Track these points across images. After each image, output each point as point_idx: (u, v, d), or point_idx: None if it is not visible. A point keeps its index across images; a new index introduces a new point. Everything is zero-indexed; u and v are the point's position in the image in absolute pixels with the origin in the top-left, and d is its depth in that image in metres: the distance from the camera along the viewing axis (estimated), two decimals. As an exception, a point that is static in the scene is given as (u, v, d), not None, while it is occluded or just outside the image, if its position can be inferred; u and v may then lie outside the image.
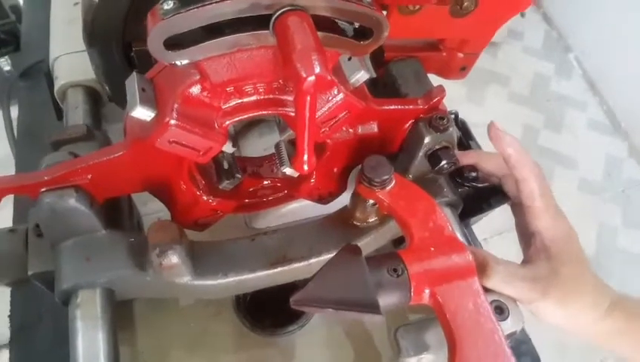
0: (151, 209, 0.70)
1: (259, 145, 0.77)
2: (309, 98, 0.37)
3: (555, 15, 2.54)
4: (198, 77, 0.42)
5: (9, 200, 0.63)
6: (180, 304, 0.67)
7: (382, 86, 0.59)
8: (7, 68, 1.28)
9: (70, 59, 0.65)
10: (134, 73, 0.43)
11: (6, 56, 1.31)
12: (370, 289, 0.43)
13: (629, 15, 2.07)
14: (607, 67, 2.27)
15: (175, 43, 0.39)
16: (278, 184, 0.60)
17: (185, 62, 0.39)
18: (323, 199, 0.61)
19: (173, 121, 0.42)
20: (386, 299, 0.44)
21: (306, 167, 0.43)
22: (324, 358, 0.65)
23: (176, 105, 0.42)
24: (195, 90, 0.42)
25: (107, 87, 0.61)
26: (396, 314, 0.68)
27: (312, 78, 0.35)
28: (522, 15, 2.53)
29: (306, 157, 0.43)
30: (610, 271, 1.81)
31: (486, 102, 2.26)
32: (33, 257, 0.52)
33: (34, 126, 0.94)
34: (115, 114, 0.70)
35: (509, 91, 2.35)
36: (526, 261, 0.53)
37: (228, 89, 0.44)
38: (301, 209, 0.67)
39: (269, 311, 0.69)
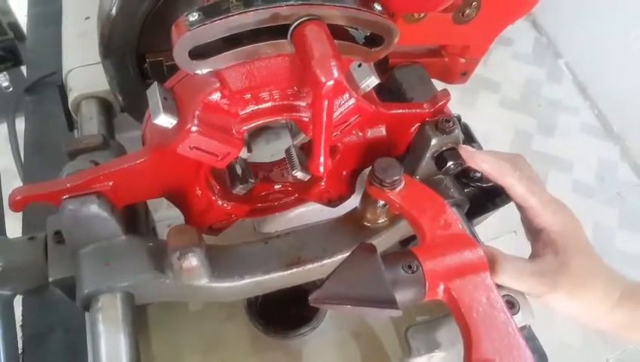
0: (163, 215, 0.72)
1: (266, 152, 0.78)
2: (326, 102, 0.39)
3: (545, 22, 2.58)
4: (218, 85, 0.44)
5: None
6: (192, 308, 0.68)
7: (387, 92, 0.61)
8: (5, 84, 1.30)
9: (84, 72, 0.67)
10: (155, 83, 0.45)
11: (4, 72, 1.33)
12: (388, 286, 0.44)
13: (617, 20, 2.12)
14: (597, 72, 2.31)
15: (198, 53, 0.40)
16: (289, 188, 0.62)
17: (207, 70, 0.41)
18: (332, 202, 0.63)
19: (194, 128, 0.44)
20: (402, 295, 0.45)
21: (322, 169, 0.45)
22: (337, 359, 0.66)
23: (197, 112, 0.44)
24: (215, 97, 0.44)
25: (121, 98, 0.63)
26: (405, 315, 0.69)
27: (330, 83, 0.37)
28: (512, 22, 2.57)
29: (322, 159, 0.44)
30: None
31: (478, 108, 2.29)
32: (53, 264, 0.53)
33: (41, 139, 0.95)
34: (124, 124, 0.72)
35: (500, 97, 2.39)
36: (534, 255, 0.55)
37: (245, 96, 0.45)
38: (308, 213, 0.69)
39: (281, 313, 0.70)
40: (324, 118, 0.40)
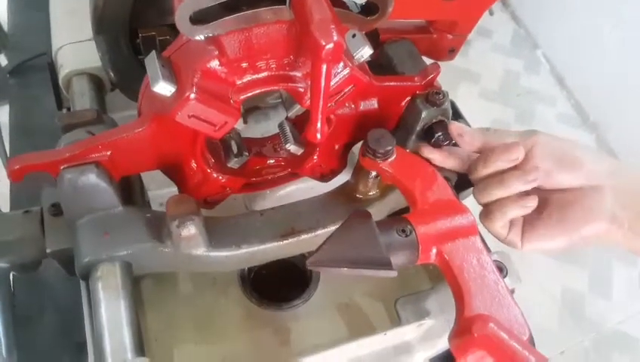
0: (153, 195, 0.72)
1: (256, 132, 0.79)
2: (325, 66, 0.40)
3: (523, 13, 2.63)
4: (216, 52, 0.44)
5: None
6: (186, 284, 0.69)
7: (378, 67, 0.63)
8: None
9: (74, 48, 0.67)
10: (153, 51, 0.46)
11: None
12: (383, 248, 0.46)
13: (594, 13, 2.17)
14: (574, 62, 2.37)
15: (198, 19, 0.41)
16: (282, 163, 0.63)
17: (208, 36, 0.42)
18: (324, 176, 0.64)
19: (193, 95, 0.44)
20: (397, 258, 0.47)
21: (319, 136, 0.46)
22: (328, 329, 0.67)
23: (195, 80, 0.45)
24: (213, 64, 0.45)
25: (112, 75, 0.63)
26: (392, 290, 0.71)
27: (330, 46, 0.38)
28: (491, 13, 2.62)
29: (319, 125, 0.45)
30: (583, 256, 1.88)
31: (458, 99, 2.31)
32: (50, 236, 0.53)
33: (27, 122, 0.95)
34: (114, 104, 0.72)
35: (480, 88, 2.43)
36: None
37: (243, 65, 0.46)
38: (298, 191, 0.70)
39: (273, 287, 0.72)
40: (323, 83, 0.41)
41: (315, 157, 0.60)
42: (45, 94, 0.89)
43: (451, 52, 0.67)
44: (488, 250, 0.50)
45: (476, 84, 2.42)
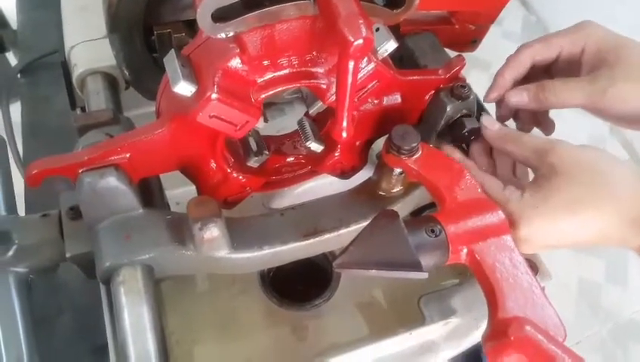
0: (169, 195, 0.71)
1: (271, 128, 0.78)
2: (352, 63, 0.39)
3: (533, 0, 2.59)
4: (237, 50, 0.43)
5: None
6: (206, 284, 0.68)
7: (398, 60, 0.61)
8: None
9: (88, 47, 0.66)
10: (173, 50, 0.44)
11: (-10, 58, 1.32)
12: (412, 249, 0.45)
13: (605, -2, 2.13)
14: (585, 48, 2.33)
15: (220, 16, 0.40)
16: (302, 160, 0.62)
17: (230, 34, 0.40)
18: (345, 173, 0.63)
19: (214, 95, 0.43)
20: (427, 259, 0.46)
21: (344, 134, 0.45)
22: (350, 328, 0.66)
23: (216, 79, 0.43)
24: (235, 63, 0.44)
25: (127, 73, 0.62)
26: (418, 285, 0.70)
27: (359, 42, 0.37)
28: (501, 1, 2.58)
29: (345, 124, 0.44)
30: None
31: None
32: (70, 239, 0.53)
33: (39, 122, 0.94)
34: (128, 102, 0.71)
35: (490, 75, 2.38)
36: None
37: (264, 62, 0.45)
38: (316, 188, 0.69)
39: (293, 286, 0.71)
40: (350, 80, 0.40)
41: (337, 154, 0.59)
42: (57, 93, 0.87)
43: (474, 43, 0.65)
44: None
45: (486, 71, 2.38)
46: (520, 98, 0.55)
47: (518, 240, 0.49)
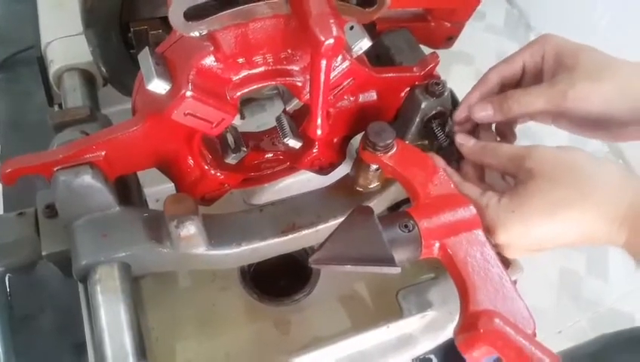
0: (148, 192, 0.71)
1: (251, 124, 0.78)
2: (325, 62, 0.39)
3: (516, -6, 2.60)
4: (211, 48, 0.43)
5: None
6: (186, 281, 0.68)
7: (375, 58, 0.61)
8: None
9: (64, 43, 0.65)
10: (147, 48, 0.44)
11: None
12: (386, 245, 0.45)
13: (587, -9, 2.15)
14: (567, 43, 2.35)
15: (193, 15, 0.40)
16: (281, 157, 0.62)
17: (203, 32, 0.40)
18: (323, 170, 0.63)
19: (189, 93, 0.43)
20: (400, 254, 0.46)
21: (319, 132, 0.45)
22: (330, 322, 0.67)
23: (191, 77, 0.43)
24: (209, 61, 0.44)
25: (104, 69, 0.62)
26: (397, 279, 0.71)
27: (330, 41, 0.37)
28: (484, -5, 2.59)
29: (319, 121, 0.44)
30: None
31: (452, 81, 2.29)
32: (46, 238, 0.53)
33: (17, 118, 0.93)
34: (106, 99, 0.71)
35: (474, 69, 2.41)
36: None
37: (239, 60, 0.45)
38: (296, 184, 0.69)
39: (274, 282, 0.71)
40: (322, 78, 0.40)
41: (315, 150, 0.59)
42: (35, 88, 0.87)
43: (449, 40, 0.65)
44: (491, 242, 0.49)
45: (470, 65, 2.40)
46: (485, 111, 0.54)
47: (499, 246, 0.50)
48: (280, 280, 0.74)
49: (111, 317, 0.48)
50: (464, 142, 0.55)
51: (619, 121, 0.51)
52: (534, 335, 0.44)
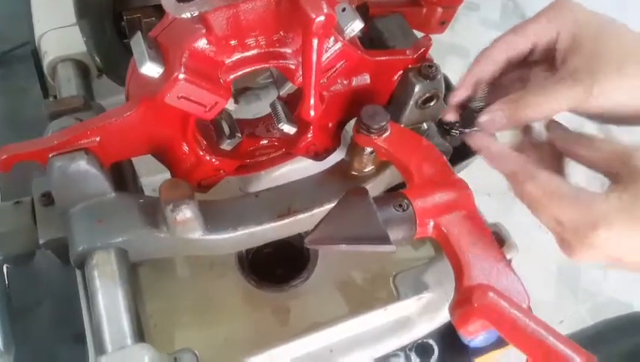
0: (145, 181, 0.71)
1: (247, 113, 0.78)
2: (317, 40, 0.39)
3: (510, -14, 2.61)
4: (203, 31, 0.43)
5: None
6: (183, 269, 0.69)
7: (368, 41, 0.62)
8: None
9: (58, 34, 0.66)
10: (139, 32, 0.44)
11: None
12: (380, 224, 0.46)
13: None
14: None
15: (183, -4, 0.40)
16: (276, 143, 0.62)
17: (195, 14, 0.41)
18: (319, 155, 0.63)
19: (182, 75, 0.43)
20: (395, 233, 0.47)
21: (312, 113, 0.46)
22: (329, 306, 0.68)
23: (183, 59, 0.44)
24: (201, 43, 0.44)
25: (98, 59, 0.62)
26: (393, 264, 0.72)
27: (321, 18, 0.37)
28: (478, -14, 2.59)
29: (312, 102, 0.45)
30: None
31: (447, 73, 2.29)
32: (43, 226, 0.53)
33: (13, 114, 0.93)
34: (102, 90, 0.71)
35: (469, 62, 2.40)
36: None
37: (232, 42, 0.45)
38: (292, 172, 0.69)
39: (271, 268, 0.72)
40: (315, 58, 0.41)
41: (309, 135, 0.60)
42: (31, 85, 0.87)
43: (442, 24, 0.66)
44: (485, 221, 0.49)
45: (465, 58, 2.40)
46: (496, 123, 0.49)
47: (585, 244, 0.44)
48: (277, 269, 0.74)
49: (108, 301, 0.48)
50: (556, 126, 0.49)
51: None
52: (529, 309, 0.45)
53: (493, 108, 0.49)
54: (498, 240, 0.55)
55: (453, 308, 0.44)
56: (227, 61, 0.47)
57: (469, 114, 0.54)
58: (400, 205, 0.48)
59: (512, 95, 0.49)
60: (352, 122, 0.57)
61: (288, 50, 0.48)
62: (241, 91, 0.78)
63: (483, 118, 0.50)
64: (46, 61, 0.65)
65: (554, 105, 0.47)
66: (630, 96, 0.45)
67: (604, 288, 1.82)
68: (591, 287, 1.82)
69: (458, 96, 0.53)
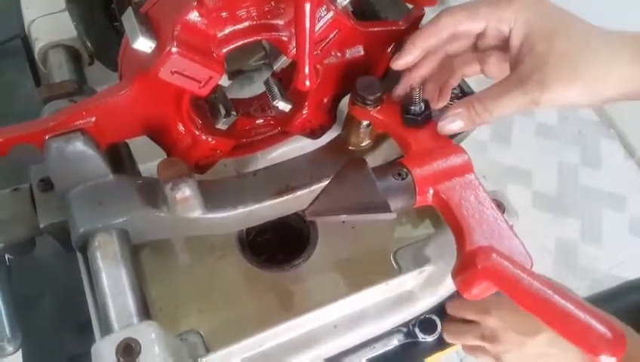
0: (142, 168, 0.71)
1: (241, 96, 0.78)
2: (309, 5, 0.39)
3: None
4: (194, 3, 0.43)
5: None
6: (185, 253, 0.69)
7: (360, 15, 0.61)
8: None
9: (47, 20, 0.65)
10: (130, 8, 0.44)
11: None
12: (380, 192, 0.46)
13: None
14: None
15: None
16: (271, 121, 0.62)
17: (185, -16, 0.40)
18: (315, 133, 0.63)
19: (174, 49, 0.43)
20: (395, 202, 0.47)
21: (307, 83, 0.46)
22: (331, 285, 0.68)
23: (175, 33, 0.43)
24: (193, 16, 0.44)
25: (89, 44, 0.61)
26: (393, 239, 0.72)
27: (312, -17, 0.37)
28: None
29: (307, 70, 0.45)
30: (573, 207, 1.92)
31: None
32: (42, 210, 0.53)
33: (6, 108, 0.92)
34: (94, 78, 0.71)
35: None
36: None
37: (223, 15, 0.45)
38: (289, 152, 0.69)
39: (272, 248, 0.72)
40: (308, 24, 0.40)
41: (305, 112, 0.60)
42: (21, 79, 0.86)
43: (433, -4, 0.65)
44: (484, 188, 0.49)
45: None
46: (456, 126, 0.49)
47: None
48: (278, 253, 0.74)
49: (112, 281, 0.48)
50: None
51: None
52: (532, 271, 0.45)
53: (452, 114, 0.49)
54: (499, 206, 0.55)
55: (456, 273, 0.44)
56: (219, 34, 0.46)
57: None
58: (399, 174, 0.48)
59: (467, 99, 0.49)
60: (347, 100, 0.57)
61: (280, 22, 0.48)
62: (234, 74, 0.78)
63: (447, 124, 0.50)
64: (37, 48, 0.64)
65: (505, 110, 0.47)
66: (575, 101, 0.46)
67: (603, 265, 1.84)
68: (589, 265, 1.84)
69: (404, 61, 0.51)
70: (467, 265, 0.43)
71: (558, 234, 1.87)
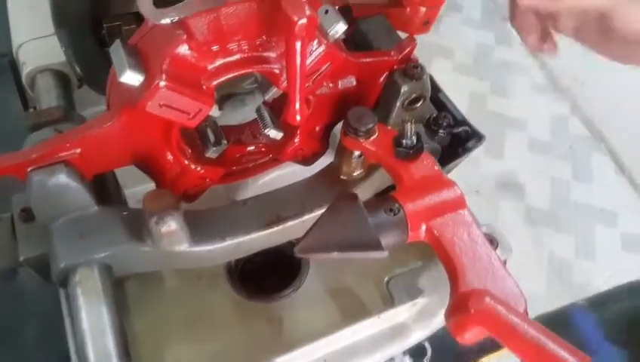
0: (130, 192, 0.69)
1: (233, 120, 0.77)
2: (299, 43, 0.38)
3: (491, -14, 2.62)
4: (184, 36, 0.42)
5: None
6: (171, 282, 0.67)
7: (352, 44, 0.61)
8: None
9: (36, 45, 0.64)
10: (118, 40, 0.43)
11: None
12: (372, 230, 0.45)
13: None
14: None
15: (162, 3, 0.39)
16: (263, 149, 0.61)
17: (174, 19, 0.39)
18: (307, 160, 0.62)
19: (162, 83, 0.42)
20: (387, 238, 0.46)
21: (298, 117, 0.45)
22: (321, 316, 0.66)
23: (164, 66, 0.42)
24: (182, 49, 0.43)
25: (78, 69, 0.60)
26: (384, 268, 0.71)
27: (303, 21, 0.36)
28: (459, -13, 2.60)
29: (297, 106, 0.44)
30: (566, 222, 1.91)
31: (433, 74, 2.30)
32: (23, 242, 0.51)
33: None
34: (83, 100, 0.69)
35: (453, 62, 2.42)
36: None
37: (213, 48, 0.44)
38: (280, 177, 0.68)
39: (261, 278, 0.70)
40: (298, 61, 0.39)
41: (297, 140, 0.59)
42: (9, 96, 0.85)
43: (426, 24, 0.65)
44: (477, 223, 0.48)
45: (449, 58, 2.41)
46: None
47: None
48: (267, 279, 0.72)
49: (93, 320, 0.46)
50: None
51: None
52: (526, 312, 0.44)
53: None
54: (491, 241, 0.54)
55: (449, 315, 0.43)
56: (209, 67, 0.45)
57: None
58: (391, 209, 0.47)
59: None
60: (341, 125, 0.56)
61: (272, 55, 0.47)
62: (226, 97, 0.77)
63: None
64: (25, 72, 0.63)
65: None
66: None
67: (595, 280, 1.83)
68: (582, 280, 1.83)
69: None
70: (460, 308, 0.42)
71: (551, 248, 1.87)
